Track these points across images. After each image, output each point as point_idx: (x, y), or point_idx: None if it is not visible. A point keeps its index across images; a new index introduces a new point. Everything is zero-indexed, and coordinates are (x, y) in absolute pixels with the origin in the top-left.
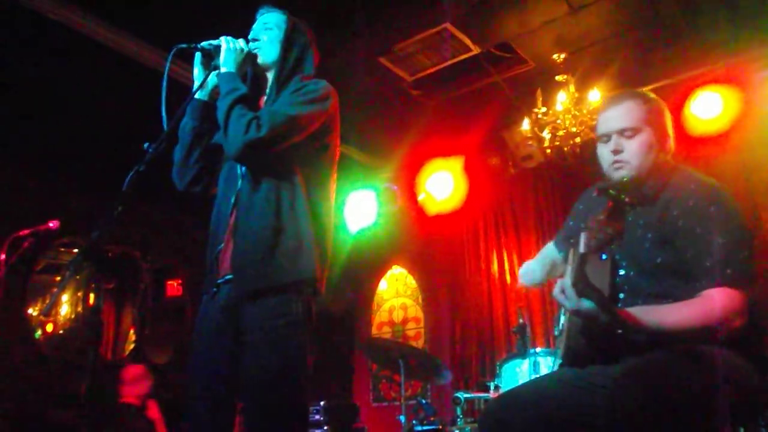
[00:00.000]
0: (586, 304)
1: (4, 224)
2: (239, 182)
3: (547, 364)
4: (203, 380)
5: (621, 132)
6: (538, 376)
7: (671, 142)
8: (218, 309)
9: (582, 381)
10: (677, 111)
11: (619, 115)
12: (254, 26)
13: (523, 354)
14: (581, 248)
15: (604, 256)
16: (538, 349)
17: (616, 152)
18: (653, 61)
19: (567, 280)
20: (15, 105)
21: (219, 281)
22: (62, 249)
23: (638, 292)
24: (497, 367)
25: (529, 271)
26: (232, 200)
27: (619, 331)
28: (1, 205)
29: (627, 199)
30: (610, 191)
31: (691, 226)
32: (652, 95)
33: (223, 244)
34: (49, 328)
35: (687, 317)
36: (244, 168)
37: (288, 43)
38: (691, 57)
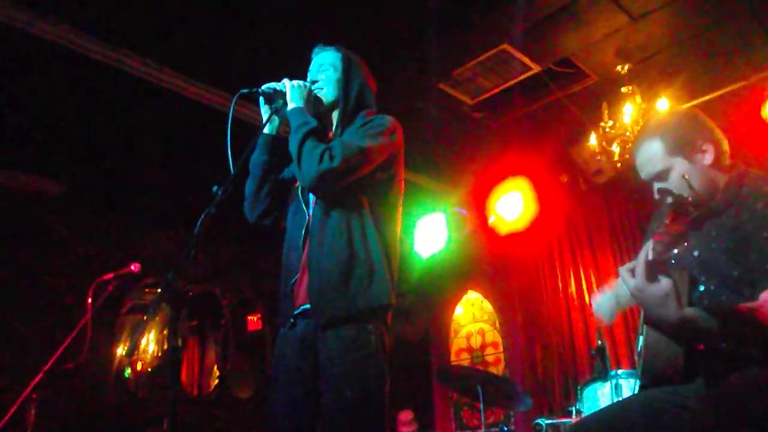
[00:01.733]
0: (664, 282)
1: (88, 270)
2: (308, 215)
3: (629, 386)
4: (284, 413)
5: (654, 178)
6: (619, 399)
7: (714, 150)
8: (296, 341)
9: (663, 402)
10: (753, 113)
11: (644, 162)
12: (311, 67)
13: (604, 376)
14: (649, 255)
15: (672, 261)
16: (620, 371)
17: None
18: (723, 66)
19: (641, 258)
20: (92, 155)
21: (295, 312)
22: (147, 290)
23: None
24: (578, 391)
25: (599, 303)
26: (303, 233)
27: (692, 321)
28: (86, 252)
29: (690, 198)
30: (674, 191)
31: (757, 229)
32: (671, 117)
33: (297, 276)
34: (139, 366)
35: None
36: (312, 201)
37: (346, 81)
38: (763, 58)
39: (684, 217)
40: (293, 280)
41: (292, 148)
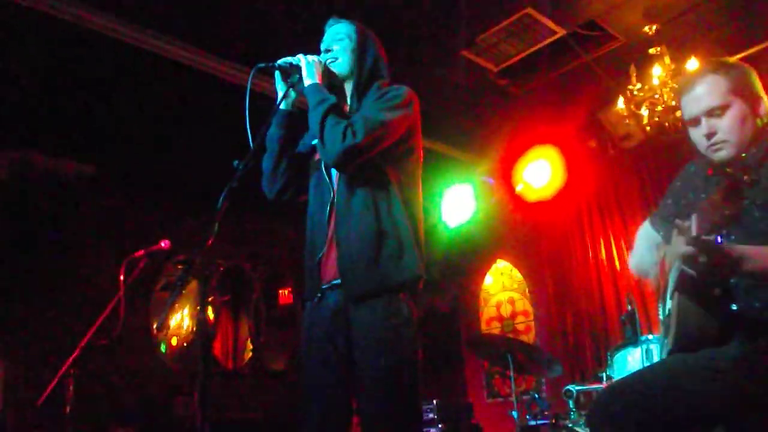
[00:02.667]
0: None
1: (120, 248)
2: (332, 189)
3: (659, 351)
4: (317, 384)
5: (710, 112)
6: (650, 363)
7: (766, 105)
8: (327, 314)
9: (695, 366)
10: None
11: (703, 93)
12: (324, 38)
13: (634, 342)
14: (693, 231)
15: (719, 239)
16: (650, 336)
17: (710, 135)
18: (753, 22)
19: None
20: (122, 137)
21: (324, 287)
22: (179, 266)
23: None
24: (608, 357)
25: (641, 259)
26: (328, 208)
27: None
28: (116, 229)
29: (747, 178)
30: (728, 169)
31: None
32: (733, 61)
33: (323, 251)
34: (174, 342)
35: None
36: (335, 176)
37: (361, 51)
38: None
39: (739, 198)
40: (320, 255)
41: (313, 125)
